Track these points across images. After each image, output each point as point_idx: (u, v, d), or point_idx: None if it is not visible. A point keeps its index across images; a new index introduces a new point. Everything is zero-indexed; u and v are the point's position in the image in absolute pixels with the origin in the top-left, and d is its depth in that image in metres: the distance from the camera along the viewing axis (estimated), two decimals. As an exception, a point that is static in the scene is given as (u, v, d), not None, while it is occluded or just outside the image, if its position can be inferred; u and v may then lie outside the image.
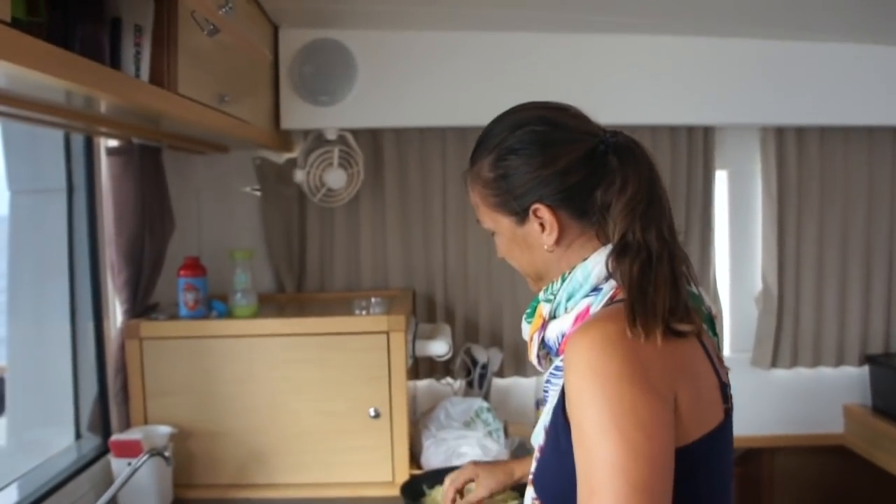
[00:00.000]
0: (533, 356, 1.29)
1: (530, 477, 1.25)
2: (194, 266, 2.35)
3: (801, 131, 2.99)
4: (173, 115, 1.76)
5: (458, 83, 2.70)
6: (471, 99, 2.68)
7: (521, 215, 1.26)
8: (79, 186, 2.29)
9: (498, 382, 2.94)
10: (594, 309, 1.17)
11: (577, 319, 1.18)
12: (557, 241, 1.24)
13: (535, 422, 1.28)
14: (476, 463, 1.75)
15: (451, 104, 2.70)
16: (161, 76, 1.66)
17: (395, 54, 2.69)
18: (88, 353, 2.33)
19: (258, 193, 2.83)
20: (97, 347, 2.33)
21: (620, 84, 2.76)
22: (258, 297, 2.44)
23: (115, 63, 1.55)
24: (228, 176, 2.87)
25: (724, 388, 1.17)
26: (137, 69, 1.59)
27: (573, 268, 1.22)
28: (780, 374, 3.12)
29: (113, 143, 2.27)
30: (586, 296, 1.20)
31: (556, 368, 1.21)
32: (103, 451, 2.25)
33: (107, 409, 2.32)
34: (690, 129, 2.95)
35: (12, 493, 1.97)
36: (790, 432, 3.14)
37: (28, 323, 2.36)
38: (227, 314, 2.37)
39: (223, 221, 2.89)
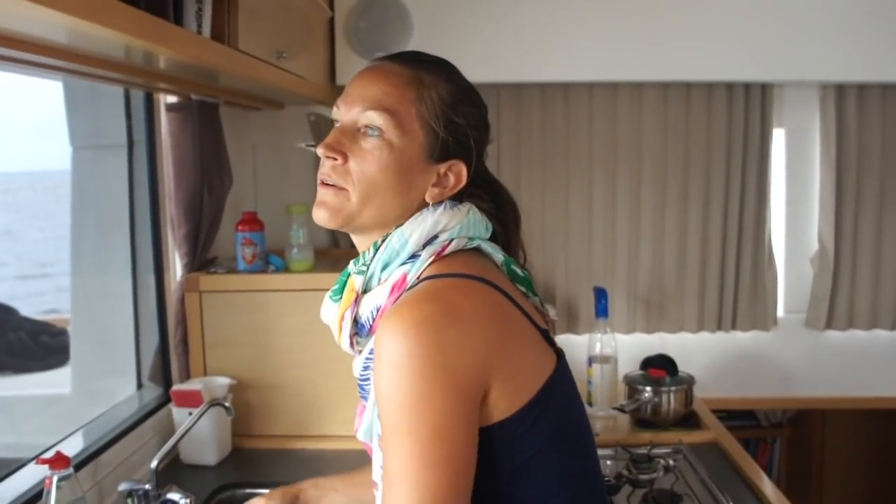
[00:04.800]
0: (345, 339, 1.19)
1: (374, 480, 1.22)
2: (252, 221, 2.38)
3: (861, 88, 2.92)
4: (233, 71, 1.78)
5: (513, 39, 2.69)
6: (525, 55, 2.67)
7: (440, 156, 1.18)
8: (139, 142, 2.33)
9: (550, 339, 2.94)
10: (411, 277, 1.13)
11: (392, 290, 1.13)
12: (432, 203, 1.19)
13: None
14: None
15: (506, 60, 2.69)
16: (222, 32, 1.68)
17: (450, 10, 2.68)
18: (149, 305, 2.38)
19: (313, 149, 2.84)
20: (158, 300, 2.38)
21: (679, 39, 2.72)
22: (314, 252, 2.46)
23: (178, 19, 1.56)
24: (284, 132, 2.89)
25: (546, 335, 1.17)
26: (199, 26, 1.60)
27: (387, 235, 1.17)
28: (835, 335, 3.09)
29: (172, 99, 2.29)
30: (403, 263, 1.15)
31: (372, 352, 1.12)
32: (164, 400, 2.31)
33: (167, 360, 2.37)
34: (748, 86, 2.91)
35: (78, 439, 2.03)
36: (843, 394, 3.11)
37: (91, 276, 2.42)
38: (284, 268, 2.40)
39: (279, 177, 2.92)
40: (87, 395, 2.39)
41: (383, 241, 1.16)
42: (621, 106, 2.93)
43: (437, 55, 1.24)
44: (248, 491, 2.10)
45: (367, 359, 1.17)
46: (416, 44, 2.62)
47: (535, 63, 2.73)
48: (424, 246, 1.15)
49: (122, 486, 1.79)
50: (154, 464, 1.85)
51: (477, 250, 1.20)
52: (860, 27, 2.73)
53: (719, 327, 3.04)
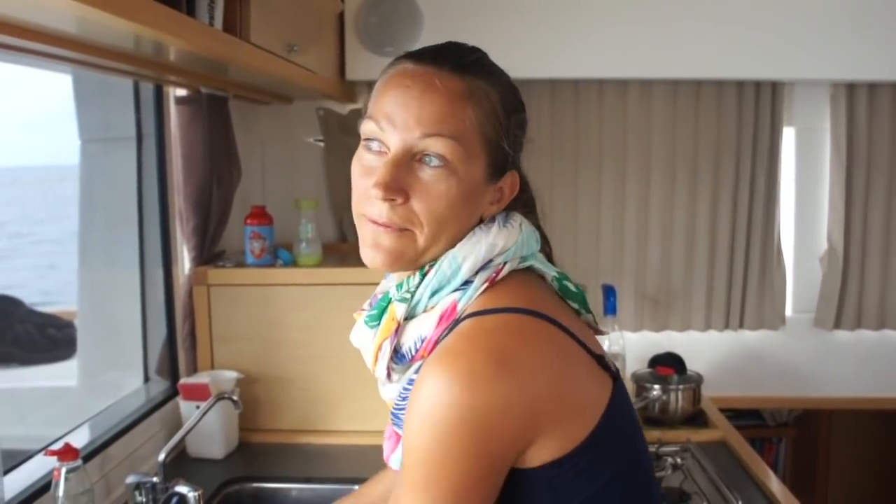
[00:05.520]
0: (381, 368, 1.08)
1: None
2: (261, 215, 2.38)
3: (872, 87, 2.91)
4: (245, 64, 1.78)
5: (523, 35, 2.68)
6: (534, 52, 2.66)
7: (500, 173, 1.08)
8: (148, 135, 2.32)
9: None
10: (462, 306, 1.02)
11: (440, 320, 1.03)
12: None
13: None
14: None
15: (515, 57, 2.66)
16: (234, 25, 1.68)
17: (460, 6, 2.67)
18: (157, 298, 2.38)
19: (321, 144, 2.84)
20: (166, 293, 2.38)
21: (689, 37, 2.71)
22: (322, 247, 2.46)
23: (190, 10, 1.56)
24: (292, 126, 2.89)
25: (601, 360, 1.05)
26: (211, 17, 1.60)
27: (437, 260, 1.05)
28: (843, 335, 3.08)
29: (181, 92, 2.29)
30: (453, 290, 1.04)
31: (411, 382, 1.04)
32: (171, 394, 2.31)
33: (175, 354, 2.37)
34: (758, 85, 2.90)
35: (85, 432, 2.03)
36: (850, 395, 3.10)
37: (98, 269, 2.41)
38: (293, 263, 2.39)
39: (287, 172, 2.92)
40: (93, 388, 2.38)
41: (432, 265, 1.05)
42: (631, 103, 2.92)
43: (471, 46, 1.12)
44: (256, 485, 2.11)
45: (404, 388, 1.07)
46: (425, 40, 2.61)
47: (544, 59, 2.72)
48: (477, 271, 1.05)
49: (130, 479, 1.79)
50: (161, 457, 1.85)
51: (528, 268, 1.10)
52: (871, 26, 2.72)
53: (727, 326, 3.03)
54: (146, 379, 2.38)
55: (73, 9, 1.10)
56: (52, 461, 1.58)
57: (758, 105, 2.91)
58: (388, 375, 1.09)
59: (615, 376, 1.06)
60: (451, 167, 1.00)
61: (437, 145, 1.00)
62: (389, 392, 1.12)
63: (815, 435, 3.36)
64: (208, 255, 2.39)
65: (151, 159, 2.33)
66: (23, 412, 2.35)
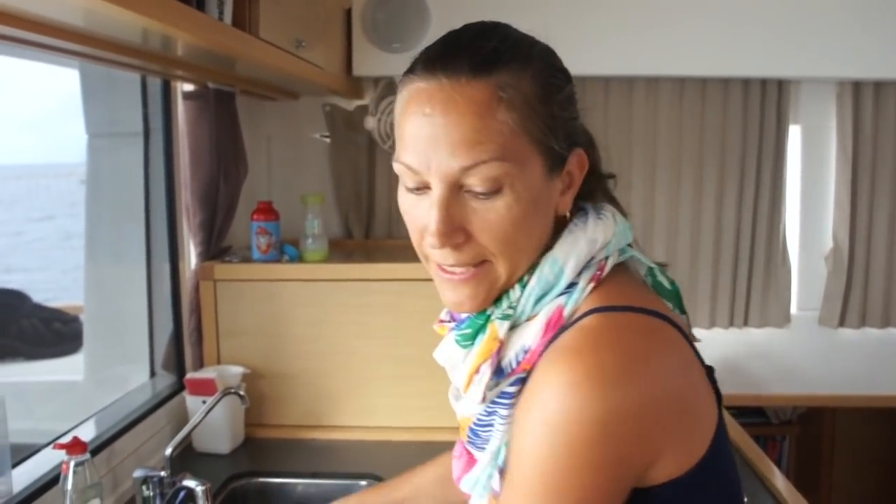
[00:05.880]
0: (477, 391, 0.94)
1: None
2: (267, 210, 2.38)
3: (878, 86, 2.91)
4: (253, 59, 1.78)
5: (529, 33, 2.68)
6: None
7: (559, 160, 0.95)
8: (155, 130, 2.33)
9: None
10: (568, 311, 0.92)
11: (546, 328, 0.92)
12: (566, 210, 0.98)
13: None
14: None
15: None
16: (243, 20, 1.68)
17: (467, 2, 2.67)
18: (163, 293, 2.38)
19: (328, 140, 2.85)
20: (172, 288, 2.38)
21: (695, 35, 2.71)
22: (328, 242, 2.46)
23: (200, 5, 1.56)
24: (298, 122, 2.89)
25: (710, 373, 0.98)
26: (221, 12, 1.60)
27: (534, 265, 0.95)
28: (848, 333, 3.08)
29: (188, 87, 2.29)
30: (559, 294, 0.94)
31: (504, 395, 0.95)
32: (177, 388, 2.31)
33: (181, 349, 2.38)
34: (764, 82, 2.90)
35: (91, 427, 2.04)
36: (854, 393, 3.10)
37: (105, 264, 2.42)
38: (299, 258, 2.40)
39: (293, 168, 2.92)
40: (100, 383, 2.39)
41: (531, 272, 0.95)
42: (637, 100, 2.92)
43: (480, 24, 1.00)
44: (262, 480, 2.11)
45: (494, 402, 0.96)
46: (432, 35, 2.60)
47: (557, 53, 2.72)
48: (580, 272, 0.95)
49: (138, 473, 1.79)
50: (168, 451, 1.85)
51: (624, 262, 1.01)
52: (877, 25, 2.72)
53: (732, 324, 3.03)
54: (152, 374, 2.38)
55: (81, 1, 1.10)
56: (60, 455, 1.58)
57: (764, 103, 2.91)
58: (483, 398, 0.95)
59: (718, 393, 0.98)
60: (505, 188, 0.89)
61: (482, 175, 0.88)
62: (471, 407, 0.99)
63: (819, 433, 3.36)
64: (215, 250, 2.39)
65: (158, 154, 2.33)
66: (30, 406, 2.35)
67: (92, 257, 2.38)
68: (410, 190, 0.95)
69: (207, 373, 2.23)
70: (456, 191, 0.90)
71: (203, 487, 1.71)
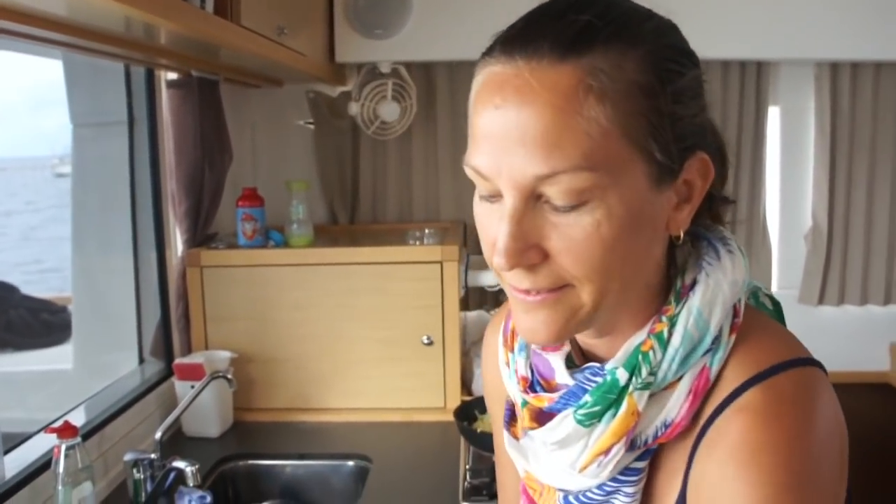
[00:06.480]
0: (606, 474, 0.80)
1: None
2: (252, 197, 2.41)
3: (855, 67, 2.95)
4: (235, 46, 1.80)
5: (510, 17, 2.70)
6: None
7: (673, 167, 0.75)
8: (140, 119, 2.34)
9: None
10: (714, 372, 0.78)
11: (693, 395, 0.78)
12: (682, 231, 0.80)
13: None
14: None
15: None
16: (225, 8, 1.70)
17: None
18: (151, 281, 2.40)
19: (312, 127, 2.86)
20: (159, 275, 2.40)
21: (672, 17, 2.72)
22: (313, 228, 2.49)
23: (181, -7, 1.58)
24: (282, 109, 2.91)
25: None
26: (202, 0, 1.62)
27: (674, 318, 0.79)
28: (828, 311, 3.12)
29: (172, 76, 2.31)
30: (704, 353, 0.79)
31: (630, 472, 0.82)
32: (166, 374, 2.33)
33: (169, 335, 2.40)
34: (743, 64, 2.92)
35: (81, 414, 2.06)
36: (835, 369, 3.13)
37: (92, 253, 2.44)
38: (284, 244, 2.42)
39: (278, 154, 2.94)
40: (89, 371, 2.41)
41: (671, 327, 0.79)
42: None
43: None
44: (251, 462, 2.15)
45: (615, 480, 0.82)
46: (414, 21, 2.63)
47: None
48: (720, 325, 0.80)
49: (128, 456, 1.82)
50: (158, 434, 1.88)
51: None
52: (853, 6, 2.74)
53: (713, 303, 3.06)
54: (141, 360, 2.41)
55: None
56: (52, 441, 1.60)
57: (743, 85, 2.94)
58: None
59: None
60: (592, 202, 0.72)
61: (561, 186, 0.71)
62: (578, 482, 0.84)
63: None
64: (201, 237, 2.42)
65: (143, 143, 2.34)
66: (20, 395, 2.38)
67: (79, 246, 2.40)
68: (483, 198, 0.78)
69: (195, 358, 2.26)
70: (532, 201, 0.73)
71: (193, 468, 1.74)
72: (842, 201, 3.02)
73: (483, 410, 2.16)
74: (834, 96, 2.96)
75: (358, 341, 2.37)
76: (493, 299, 2.90)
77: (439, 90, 2.86)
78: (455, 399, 2.36)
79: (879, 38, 2.76)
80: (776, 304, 0.92)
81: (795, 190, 3.12)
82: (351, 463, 2.14)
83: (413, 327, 2.36)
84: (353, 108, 2.73)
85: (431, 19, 2.64)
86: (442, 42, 2.66)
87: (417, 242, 2.39)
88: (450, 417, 2.16)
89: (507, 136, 0.71)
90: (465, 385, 2.48)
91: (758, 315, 0.85)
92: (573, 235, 0.72)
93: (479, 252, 2.91)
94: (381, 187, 2.93)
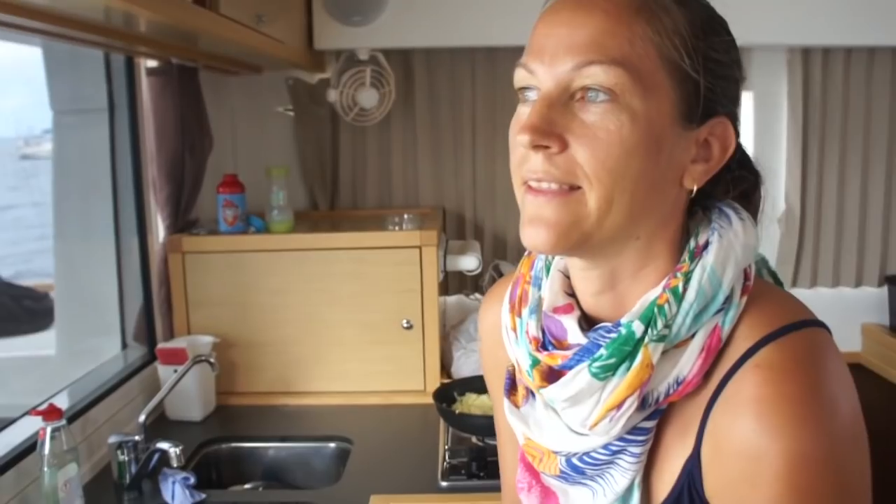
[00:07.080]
0: (616, 429, 0.82)
1: None
2: (233, 183, 2.43)
3: (826, 52, 2.99)
4: (214, 34, 1.81)
5: (487, 4, 2.72)
6: (500, 19, 2.70)
7: (700, 115, 0.81)
8: (120, 106, 2.36)
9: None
10: (726, 331, 0.81)
11: (706, 353, 0.80)
12: (695, 186, 0.84)
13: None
14: None
15: (480, 25, 2.72)
16: (203, -5, 1.71)
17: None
18: (133, 267, 2.43)
19: (291, 113, 2.88)
20: (141, 261, 2.42)
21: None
22: (294, 213, 2.51)
23: (160, -18, 1.60)
24: (262, 96, 2.92)
25: None
26: (181, -11, 1.64)
27: (688, 274, 0.82)
28: (801, 293, 3.17)
29: (152, 63, 2.33)
30: (717, 311, 0.81)
31: (639, 431, 0.83)
32: (149, 359, 2.36)
33: (151, 320, 2.42)
34: (717, 50, 2.96)
35: (64, 398, 2.08)
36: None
37: (74, 239, 2.45)
38: (265, 229, 2.45)
39: (257, 141, 2.95)
40: (72, 356, 2.43)
41: (686, 282, 0.81)
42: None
43: None
44: (234, 445, 2.18)
45: (622, 439, 0.83)
46: (392, 8, 2.65)
47: (515, 27, 2.76)
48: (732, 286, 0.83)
49: (112, 439, 1.85)
50: (142, 418, 1.91)
51: None
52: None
53: (688, 285, 3.10)
54: (124, 345, 2.43)
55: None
56: (37, 425, 1.63)
57: (717, 70, 2.97)
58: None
59: None
60: (619, 101, 0.76)
61: (595, 75, 0.76)
62: (583, 442, 0.85)
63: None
64: (182, 223, 2.44)
65: (124, 130, 2.36)
66: (2, 381, 2.39)
67: (61, 233, 2.42)
68: (525, 102, 0.82)
69: (178, 343, 2.28)
70: (567, 98, 0.78)
71: (176, 449, 1.77)
72: (814, 185, 3.07)
73: (462, 392, 2.20)
74: (805, 81, 3.00)
75: (339, 325, 2.40)
76: (472, 284, 2.93)
77: (417, 77, 2.88)
78: (434, 382, 2.40)
79: (849, 24, 2.80)
80: (778, 281, 0.95)
81: (769, 174, 3.11)
82: (332, 445, 2.17)
83: (393, 311, 2.39)
84: (332, 95, 2.75)
85: (409, 6, 2.66)
86: (419, 29, 2.68)
87: (396, 228, 2.43)
88: (429, 400, 2.20)
89: (559, 34, 0.79)
90: (445, 368, 2.52)
91: (766, 282, 0.89)
92: (595, 131, 0.77)
93: (458, 237, 2.94)
94: (361, 173, 2.95)
